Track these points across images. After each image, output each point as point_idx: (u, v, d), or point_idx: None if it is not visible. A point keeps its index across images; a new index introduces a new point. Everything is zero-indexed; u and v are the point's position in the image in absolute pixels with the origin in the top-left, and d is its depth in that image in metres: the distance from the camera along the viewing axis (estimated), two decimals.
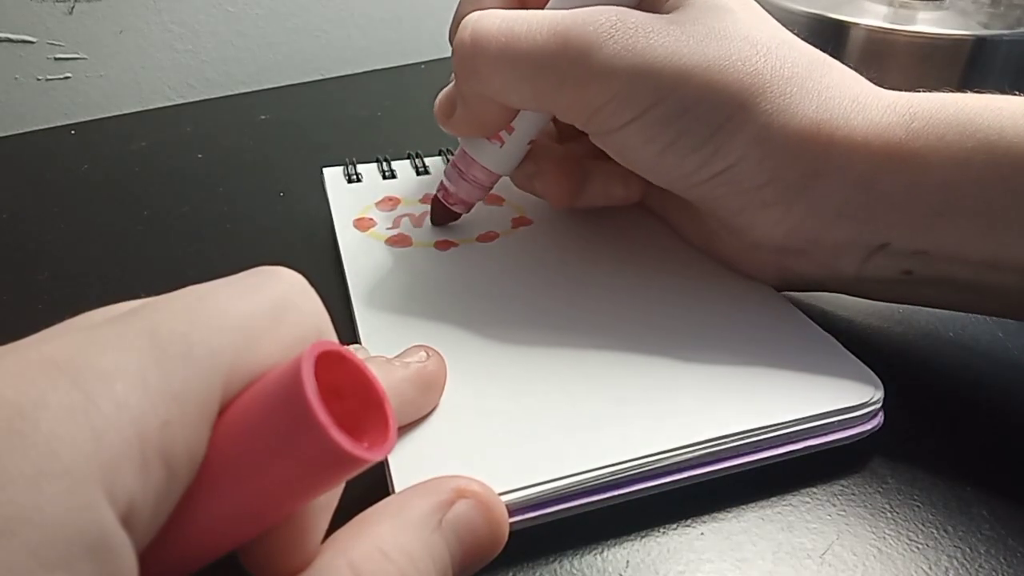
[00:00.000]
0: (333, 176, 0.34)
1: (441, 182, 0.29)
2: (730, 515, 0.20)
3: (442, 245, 0.29)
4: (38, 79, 0.48)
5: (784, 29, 0.24)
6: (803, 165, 0.23)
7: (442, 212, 0.30)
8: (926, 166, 0.21)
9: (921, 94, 0.23)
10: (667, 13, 0.23)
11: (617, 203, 0.30)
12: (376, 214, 0.31)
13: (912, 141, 0.22)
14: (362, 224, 0.31)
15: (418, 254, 0.29)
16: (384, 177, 0.34)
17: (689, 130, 0.23)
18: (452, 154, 0.35)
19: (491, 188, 0.29)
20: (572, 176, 0.28)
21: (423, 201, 0.32)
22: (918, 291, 0.24)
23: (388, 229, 0.30)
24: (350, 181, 0.34)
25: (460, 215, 0.30)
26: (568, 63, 0.23)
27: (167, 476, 0.12)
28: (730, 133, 0.22)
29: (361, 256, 0.29)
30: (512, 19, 0.23)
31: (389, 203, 0.32)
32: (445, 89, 0.27)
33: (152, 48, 0.50)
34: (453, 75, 0.26)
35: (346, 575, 0.14)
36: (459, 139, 0.28)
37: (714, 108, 0.22)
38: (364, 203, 0.32)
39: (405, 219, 0.31)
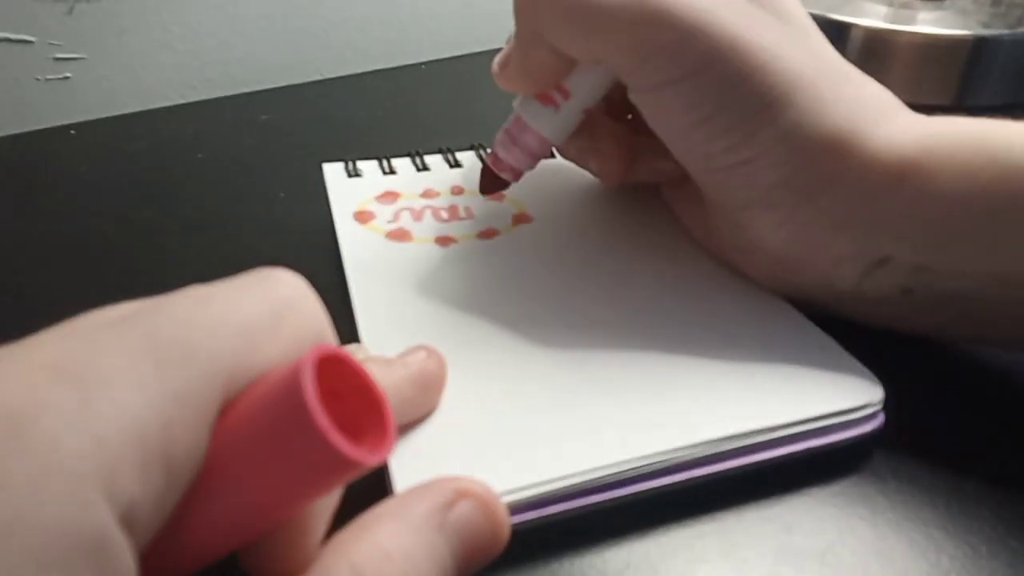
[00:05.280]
0: (333, 171, 0.34)
1: (492, 149, 0.29)
2: (730, 515, 0.20)
3: (442, 241, 0.29)
4: (38, 79, 0.48)
5: (832, 47, 0.25)
6: (819, 171, 0.23)
7: (491, 179, 0.29)
8: (935, 180, 0.22)
9: (939, 116, 0.23)
10: None
11: (663, 179, 0.30)
12: (376, 207, 0.31)
13: (924, 156, 0.22)
14: (362, 217, 0.31)
15: (418, 250, 0.29)
16: (384, 173, 0.34)
17: (729, 107, 0.23)
18: (452, 153, 0.35)
19: (541, 157, 0.29)
20: (626, 153, 0.29)
21: (423, 196, 0.32)
22: (917, 313, 0.24)
23: (388, 223, 0.30)
24: (350, 176, 0.34)
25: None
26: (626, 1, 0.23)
27: (167, 478, 0.12)
28: (763, 123, 0.23)
29: (360, 250, 0.28)
30: None
31: (389, 197, 0.32)
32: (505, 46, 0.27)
33: (152, 48, 0.50)
34: (514, 22, 0.25)
35: None
36: (515, 105, 0.28)
37: (758, 89, 0.23)
38: (364, 196, 0.32)
39: (405, 213, 0.31)
